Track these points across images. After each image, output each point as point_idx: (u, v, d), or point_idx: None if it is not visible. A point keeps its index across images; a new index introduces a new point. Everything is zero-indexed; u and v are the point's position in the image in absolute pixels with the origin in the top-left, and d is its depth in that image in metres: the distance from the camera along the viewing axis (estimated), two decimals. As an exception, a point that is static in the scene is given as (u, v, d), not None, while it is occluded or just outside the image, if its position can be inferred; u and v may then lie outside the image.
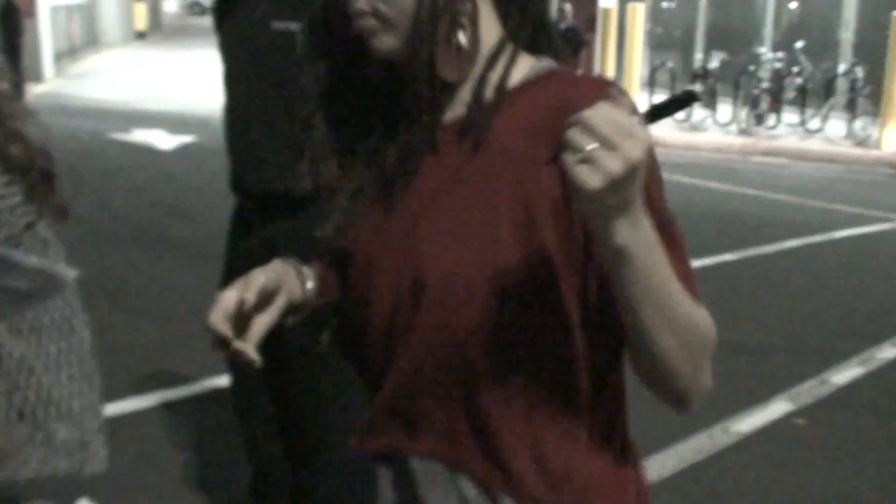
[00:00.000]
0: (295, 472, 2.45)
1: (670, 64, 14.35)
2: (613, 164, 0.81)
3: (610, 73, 13.30)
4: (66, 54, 18.00)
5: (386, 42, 1.05)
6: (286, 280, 1.13)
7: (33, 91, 13.99)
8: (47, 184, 1.62)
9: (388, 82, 1.09)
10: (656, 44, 17.43)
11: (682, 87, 13.77)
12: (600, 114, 0.83)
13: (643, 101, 13.82)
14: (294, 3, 2.05)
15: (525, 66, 1.08)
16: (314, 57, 1.11)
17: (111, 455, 1.38)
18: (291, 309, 1.14)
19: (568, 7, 12.34)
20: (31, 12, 15.49)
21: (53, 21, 17.09)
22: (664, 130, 13.00)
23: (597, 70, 13.07)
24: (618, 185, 0.82)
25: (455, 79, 1.05)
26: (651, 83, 13.86)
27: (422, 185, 1.07)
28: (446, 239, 1.03)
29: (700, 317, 0.99)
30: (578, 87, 1.03)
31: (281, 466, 2.49)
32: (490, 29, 1.07)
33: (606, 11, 13.09)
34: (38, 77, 15.48)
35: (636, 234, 0.88)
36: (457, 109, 1.07)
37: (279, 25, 2.08)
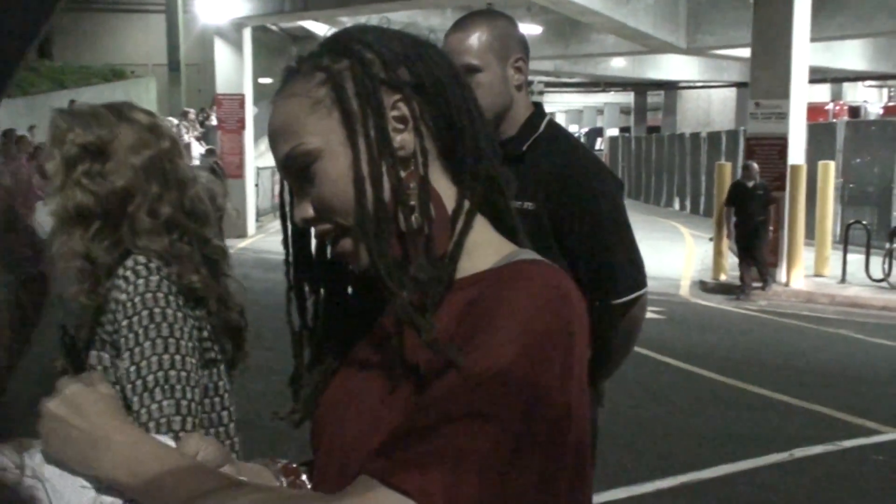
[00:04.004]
0: None
1: (865, 221, 13.77)
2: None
3: (800, 230, 12.83)
4: (268, 212, 19.31)
5: (346, 247, 1.01)
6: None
7: (237, 246, 15.01)
8: (234, 335, 1.72)
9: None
10: (849, 200, 16.81)
11: (880, 245, 13.12)
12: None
13: (836, 259, 13.24)
14: (528, 185, 2.08)
15: (493, 255, 1.03)
16: (312, 290, 1.11)
17: None
18: None
19: (754, 165, 12.17)
20: (240, 174, 16.84)
21: (258, 181, 18.48)
22: (861, 291, 12.34)
23: (786, 227, 12.64)
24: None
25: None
26: (845, 241, 13.27)
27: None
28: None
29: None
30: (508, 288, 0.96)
31: None
32: (444, 193, 1.03)
33: (794, 168, 12.75)
34: (242, 233, 16.64)
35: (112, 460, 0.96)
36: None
37: (516, 204, 2.15)
